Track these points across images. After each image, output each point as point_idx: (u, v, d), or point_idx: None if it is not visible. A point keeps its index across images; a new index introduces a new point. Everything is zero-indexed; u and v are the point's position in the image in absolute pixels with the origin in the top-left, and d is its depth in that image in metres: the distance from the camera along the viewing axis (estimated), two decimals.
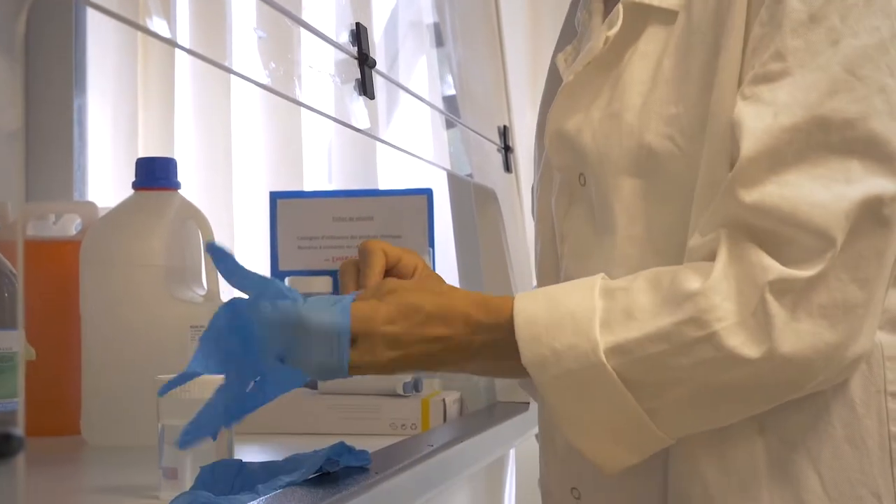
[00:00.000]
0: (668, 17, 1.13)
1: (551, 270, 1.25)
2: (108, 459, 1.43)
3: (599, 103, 1.15)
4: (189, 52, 1.09)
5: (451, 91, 2.55)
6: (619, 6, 1.14)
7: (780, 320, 1.00)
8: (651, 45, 1.13)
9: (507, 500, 2.29)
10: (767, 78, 1.04)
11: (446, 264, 2.44)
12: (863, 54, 1.03)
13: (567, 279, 1.18)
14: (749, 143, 1.03)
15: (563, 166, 1.20)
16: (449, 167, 2.13)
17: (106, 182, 2.29)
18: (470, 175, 2.14)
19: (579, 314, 1.04)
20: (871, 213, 1.02)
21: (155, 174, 1.58)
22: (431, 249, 1.99)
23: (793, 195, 1.01)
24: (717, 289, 1.01)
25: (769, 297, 1.00)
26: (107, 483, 1.24)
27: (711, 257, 1.04)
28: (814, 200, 1.01)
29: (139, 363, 1.48)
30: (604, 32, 1.15)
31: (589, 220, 1.17)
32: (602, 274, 1.08)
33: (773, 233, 1.02)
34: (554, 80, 1.29)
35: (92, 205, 1.71)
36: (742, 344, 1.00)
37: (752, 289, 1.00)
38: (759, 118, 1.03)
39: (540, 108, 1.34)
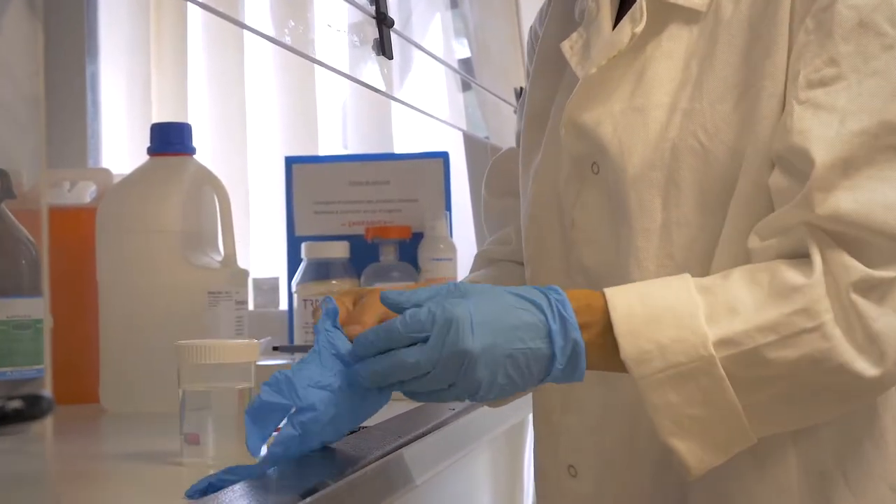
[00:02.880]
0: (691, 16, 1.14)
1: (555, 255, 1.24)
2: (128, 426, 1.43)
3: (620, 96, 1.16)
4: (204, 6, 1.08)
5: (466, 53, 2.54)
6: (642, 1, 1.15)
7: (871, 317, 1.02)
8: (675, 44, 1.15)
9: (527, 465, 2.29)
10: (822, 82, 1.06)
11: (462, 228, 2.43)
12: None
13: (583, 268, 1.19)
14: (822, 151, 1.04)
15: (577, 154, 1.20)
16: (466, 128, 2.11)
17: (120, 148, 2.27)
18: (487, 137, 2.12)
19: (680, 308, 1.03)
20: None
21: (170, 139, 1.57)
22: (448, 213, 1.98)
23: (866, 200, 1.04)
24: (821, 282, 1.03)
25: (855, 297, 1.02)
26: (129, 450, 1.24)
27: (783, 258, 1.05)
28: (887, 203, 1.04)
29: (156, 329, 1.47)
30: (627, 27, 1.15)
31: (603, 209, 1.18)
32: (686, 274, 1.08)
33: (851, 238, 1.04)
34: (550, 62, 1.28)
35: (107, 171, 1.70)
36: (844, 335, 1.02)
37: (839, 289, 1.03)
38: (826, 125, 1.05)
39: (531, 89, 1.32)
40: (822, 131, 1.05)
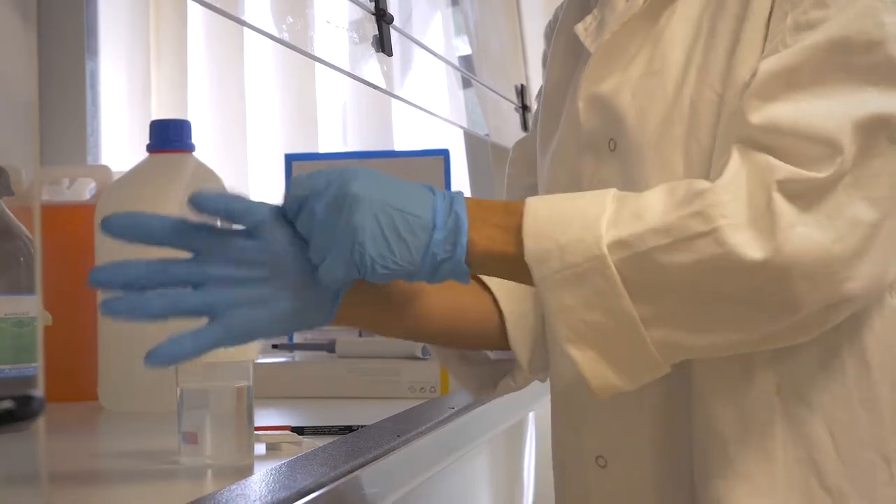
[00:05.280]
0: None
1: None
2: (126, 425, 1.43)
3: (638, 63, 1.14)
4: (203, 3, 1.07)
5: (467, 51, 2.53)
6: None
7: (785, 220, 0.97)
8: (689, 8, 1.13)
9: (527, 464, 2.29)
10: (806, 26, 1.03)
11: None
12: None
13: None
14: (768, 60, 1.03)
15: (593, 129, 1.18)
16: (466, 125, 2.11)
17: (120, 145, 2.27)
18: (487, 134, 2.12)
19: (588, 212, 1.01)
20: (884, 132, 1.01)
21: (169, 136, 1.56)
22: None
23: (803, 113, 1.01)
24: (727, 188, 0.99)
25: (777, 196, 0.98)
26: (126, 448, 1.23)
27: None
28: (824, 112, 1.00)
29: (155, 327, 1.46)
30: None
31: (620, 188, 1.12)
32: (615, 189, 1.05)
33: (781, 145, 1.00)
34: (568, 46, 1.27)
35: (106, 168, 1.69)
36: (745, 243, 0.97)
37: (761, 189, 0.98)
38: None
39: (548, 73, 1.31)
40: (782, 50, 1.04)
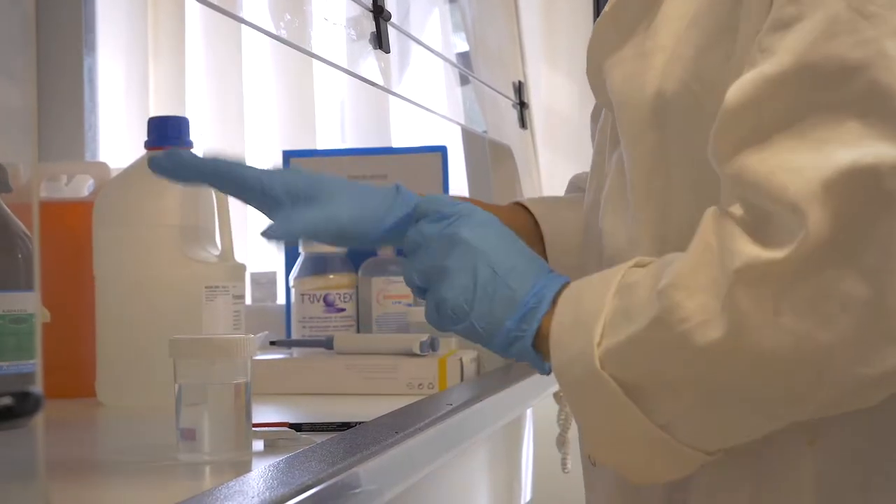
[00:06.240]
0: None
1: (593, 223, 1.15)
2: (125, 421, 1.42)
3: (635, 40, 1.03)
4: (201, 0, 1.07)
5: (465, 47, 2.53)
6: None
7: (753, 317, 0.85)
8: None
9: (525, 460, 2.29)
10: (781, 24, 0.88)
11: None
12: None
13: (599, 234, 1.11)
14: (731, 94, 0.88)
15: (606, 105, 1.11)
16: (464, 122, 2.11)
17: (118, 142, 2.27)
18: (485, 131, 2.12)
19: (590, 316, 0.94)
20: (867, 186, 0.83)
21: (167, 133, 1.56)
22: None
23: (768, 167, 0.86)
24: (682, 284, 0.88)
25: (738, 290, 0.85)
26: (125, 444, 1.23)
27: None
28: (792, 166, 0.84)
29: (154, 323, 1.47)
30: None
31: (622, 171, 1.08)
32: (637, 259, 0.96)
33: (755, 206, 0.86)
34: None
35: (104, 165, 1.69)
36: (715, 344, 0.86)
37: (722, 277, 0.86)
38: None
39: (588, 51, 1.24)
40: (746, 74, 0.88)
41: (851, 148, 0.83)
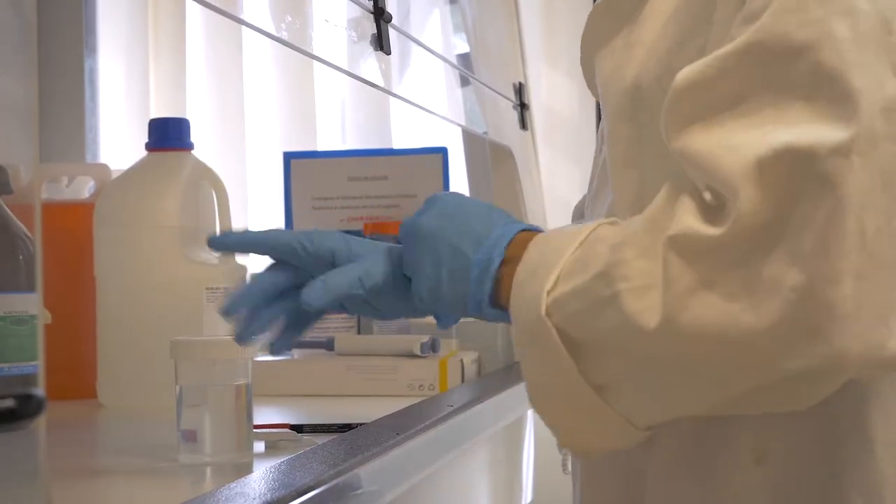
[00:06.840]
0: None
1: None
2: (126, 422, 1.43)
3: (624, 31, 1.01)
4: (201, 2, 1.07)
5: (465, 48, 2.53)
6: None
7: (680, 285, 0.83)
8: None
9: (526, 461, 2.29)
10: (752, 17, 0.86)
11: None
12: None
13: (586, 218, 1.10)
14: (682, 73, 0.87)
15: (596, 96, 1.10)
16: (464, 123, 2.11)
17: (118, 144, 2.27)
18: (485, 132, 2.12)
19: (551, 258, 0.91)
20: (803, 168, 0.81)
21: (168, 135, 1.56)
22: None
23: (711, 144, 0.84)
24: (632, 241, 0.86)
25: (670, 256, 0.83)
26: (125, 446, 1.24)
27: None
28: (730, 143, 0.83)
29: (154, 325, 1.47)
30: None
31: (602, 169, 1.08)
32: (613, 218, 0.94)
33: (699, 182, 0.86)
34: None
35: (105, 167, 1.69)
36: (642, 310, 0.84)
37: (656, 245, 0.85)
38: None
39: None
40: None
41: (791, 128, 0.82)
